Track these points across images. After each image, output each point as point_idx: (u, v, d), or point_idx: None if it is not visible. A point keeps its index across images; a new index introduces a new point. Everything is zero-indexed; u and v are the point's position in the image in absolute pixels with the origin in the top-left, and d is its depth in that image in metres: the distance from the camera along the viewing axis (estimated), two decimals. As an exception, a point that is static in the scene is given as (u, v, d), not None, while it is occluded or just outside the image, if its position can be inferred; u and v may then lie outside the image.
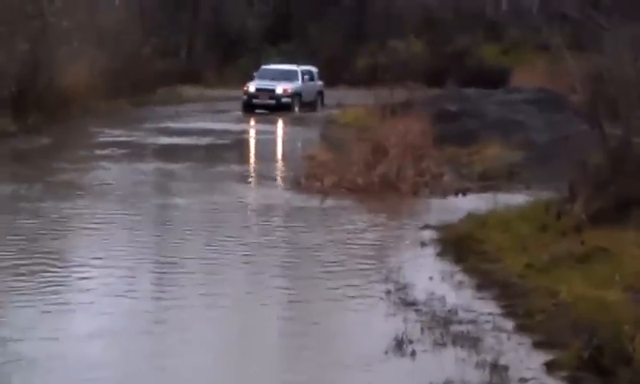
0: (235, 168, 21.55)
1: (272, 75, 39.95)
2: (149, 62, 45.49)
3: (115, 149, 24.01)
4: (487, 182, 17.43)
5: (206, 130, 29.25)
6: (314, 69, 42.42)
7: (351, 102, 31.06)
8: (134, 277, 11.04)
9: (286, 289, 10.90)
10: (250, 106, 37.73)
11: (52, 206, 15.54)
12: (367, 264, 11.79)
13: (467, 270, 11.26)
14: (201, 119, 33.42)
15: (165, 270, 11.52)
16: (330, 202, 16.08)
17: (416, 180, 17.23)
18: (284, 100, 38.36)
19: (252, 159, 24.42)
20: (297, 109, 38.24)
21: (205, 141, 26.86)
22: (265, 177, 19.74)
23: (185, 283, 10.95)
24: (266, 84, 38.95)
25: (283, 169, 20.90)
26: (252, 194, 17.77)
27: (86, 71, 34.26)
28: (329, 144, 21.33)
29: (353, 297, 10.36)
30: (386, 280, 10.89)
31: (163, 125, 30.76)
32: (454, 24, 52.09)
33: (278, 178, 19.51)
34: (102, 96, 35.42)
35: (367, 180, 17.07)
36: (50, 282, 10.70)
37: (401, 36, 51.79)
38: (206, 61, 54.38)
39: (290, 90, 38.72)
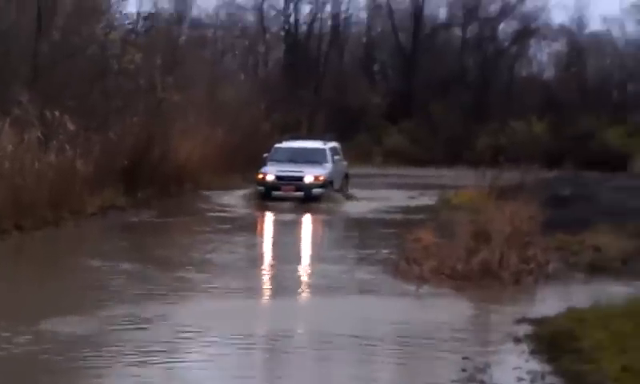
0: (338, 250, 21.27)
1: (291, 156, 31.03)
2: (268, 137, 45.39)
3: (218, 224, 24.47)
4: (595, 271, 16.46)
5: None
6: (337, 144, 33.85)
7: (462, 184, 30.09)
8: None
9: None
10: (267, 199, 29.38)
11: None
12: (452, 361, 10.97)
13: (559, 372, 10.37)
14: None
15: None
16: (426, 289, 15.36)
17: (519, 268, 16.35)
18: (315, 191, 29.56)
19: (355, 240, 23.96)
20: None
21: (310, 218, 27.23)
22: (365, 259, 19.05)
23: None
24: (289, 170, 29.96)
25: (386, 251, 20.19)
26: (349, 276, 17.03)
27: (200, 146, 34.41)
28: (436, 227, 20.53)
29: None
30: (469, 380, 10.10)
31: (269, 202, 30.21)
32: (578, 105, 51.00)
33: (378, 261, 18.76)
34: (215, 171, 35.50)
35: (467, 266, 16.29)
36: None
37: (523, 116, 50.96)
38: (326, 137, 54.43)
39: (322, 178, 29.91)
